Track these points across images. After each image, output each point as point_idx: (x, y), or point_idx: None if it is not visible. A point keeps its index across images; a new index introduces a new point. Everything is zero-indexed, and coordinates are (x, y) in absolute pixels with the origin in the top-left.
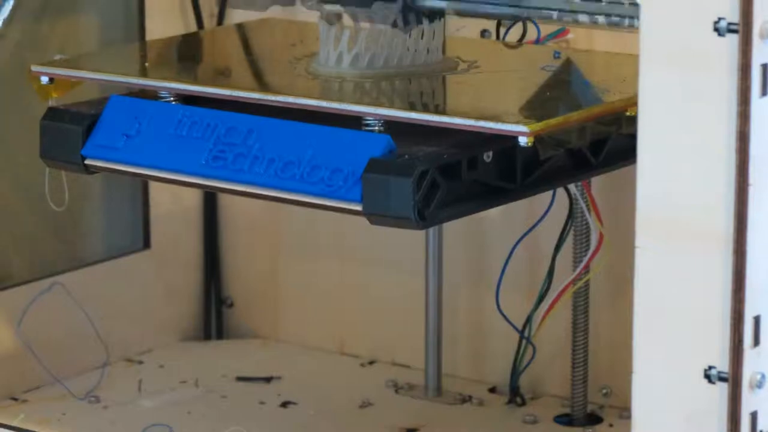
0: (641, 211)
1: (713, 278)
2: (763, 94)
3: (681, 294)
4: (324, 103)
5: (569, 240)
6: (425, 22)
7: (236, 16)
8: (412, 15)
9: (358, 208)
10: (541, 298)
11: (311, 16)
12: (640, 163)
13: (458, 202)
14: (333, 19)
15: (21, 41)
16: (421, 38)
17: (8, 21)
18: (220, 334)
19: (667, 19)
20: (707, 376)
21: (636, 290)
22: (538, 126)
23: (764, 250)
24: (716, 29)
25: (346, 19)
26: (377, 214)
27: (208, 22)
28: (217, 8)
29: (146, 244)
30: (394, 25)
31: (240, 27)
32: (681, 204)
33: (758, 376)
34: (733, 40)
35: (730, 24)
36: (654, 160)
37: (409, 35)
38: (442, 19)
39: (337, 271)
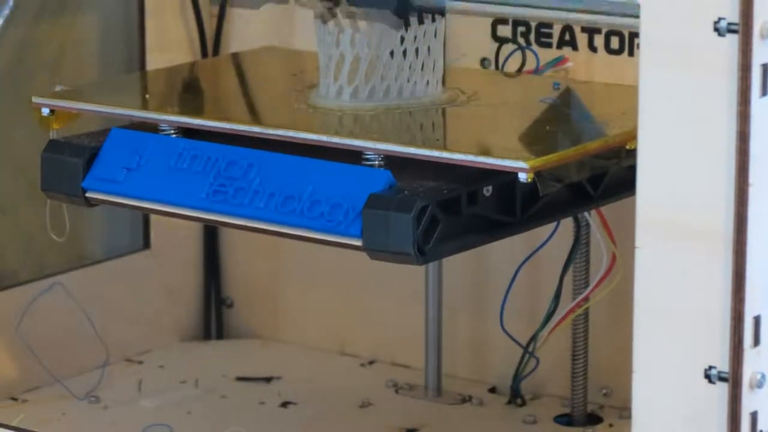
0: (641, 211)
1: (713, 278)
2: (763, 94)
3: (681, 294)
4: (324, 138)
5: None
6: (425, 52)
7: (237, 17)
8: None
9: (358, 243)
10: (547, 319)
11: (311, 45)
12: (640, 162)
13: (458, 236)
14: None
15: (21, 41)
16: (421, 69)
17: (8, 21)
18: (220, 334)
19: (667, 19)
20: (707, 376)
21: (636, 290)
22: (537, 162)
23: (764, 250)
24: (716, 29)
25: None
26: (377, 249)
27: (208, 22)
28: (218, 8)
29: (146, 244)
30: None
31: (239, 57)
32: (681, 204)
33: (758, 376)
34: (733, 40)
35: (730, 24)
36: (654, 160)
37: (410, 66)
38: (442, 49)
39: (337, 272)
